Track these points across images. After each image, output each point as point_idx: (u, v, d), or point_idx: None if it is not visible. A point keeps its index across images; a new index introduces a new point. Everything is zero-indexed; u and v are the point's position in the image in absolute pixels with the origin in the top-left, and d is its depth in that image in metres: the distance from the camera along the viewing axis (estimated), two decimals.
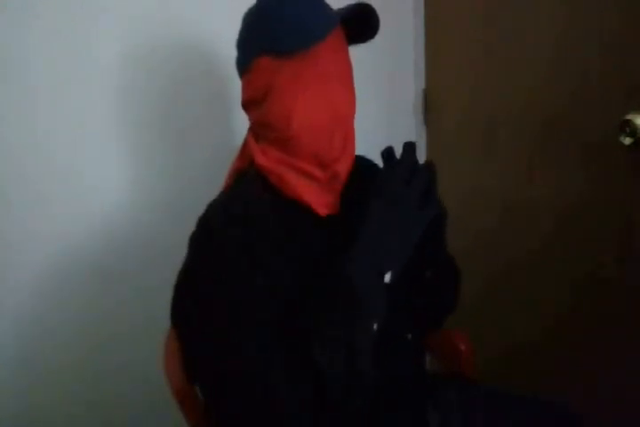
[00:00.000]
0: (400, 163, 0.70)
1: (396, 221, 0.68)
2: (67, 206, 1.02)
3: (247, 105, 0.81)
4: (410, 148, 0.71)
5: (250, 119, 0.82)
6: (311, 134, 0.74)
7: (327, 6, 0.78)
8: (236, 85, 0.83)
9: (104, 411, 1.09)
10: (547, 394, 0.90)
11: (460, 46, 1.41)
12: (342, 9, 0.77)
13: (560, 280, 1.28)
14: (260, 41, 0.75)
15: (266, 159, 0.77)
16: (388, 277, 0.67)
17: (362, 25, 0.79)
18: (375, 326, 0.66)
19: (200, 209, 0.76)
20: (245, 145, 0.83)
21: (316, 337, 0.64)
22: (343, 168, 0.78)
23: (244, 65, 0.79)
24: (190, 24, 1.10)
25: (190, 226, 0.75)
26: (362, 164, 0.86)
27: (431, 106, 1.51)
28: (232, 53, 0.82)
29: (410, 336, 0.87)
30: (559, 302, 1.29)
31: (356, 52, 0.82)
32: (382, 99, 1.44)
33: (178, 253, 0.78)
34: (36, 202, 0.98)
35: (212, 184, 0.84)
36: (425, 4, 1.46)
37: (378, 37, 0.82)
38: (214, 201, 0.78)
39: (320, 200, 0.77)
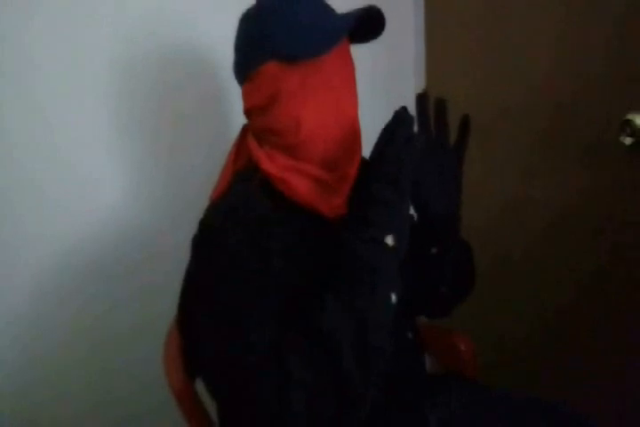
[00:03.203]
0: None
1: (387, 196, 0.69)
2: (67, 207, 1.02)
3: (251, 111, 0.78)
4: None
5: (253, 125, 0.80)
6: (320, 139, 0.74)
7: (330, 8, 0.77)
8: (233, 85, 0.82)
9: (104, 411, 1.09)
10: (547, 394, 0.90)
11: (460, 46, 1.41)
12: (351, 12, 0.75)
13: (560, 280, 1.28)
14: (267, 46, 0.73)
15: (273, 165, 0.75)
16: (390, 240, 0.67)
17: (367, 27, 0.78)
18: (394, 298, 0.65)
19: (199, 209, 0.76)
20: (242, 147, 0.81)
21: (324, 307, 0.63)
22: (351, 170, 0.77)
23: (247, 71, 0.76)
24: (189, 25, 1.10)
25: (189, 226, 0.74)
26: (365, 164, 0.86)
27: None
28: (229, 54, 0.81)
29: (410, 335, 0.87)
30: (559, 301, 1.29)
31: (357, 52, 0.81)
32: (382, 98, 1.44)
33: (177, 253, 0.78)
34: (36, 202, 0.98)
35: (212, 184, 0.84)
36: (425, 3, 1.46)
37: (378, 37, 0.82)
38: (215, 202, 0.78)
39: (327, 202, 0.76)
